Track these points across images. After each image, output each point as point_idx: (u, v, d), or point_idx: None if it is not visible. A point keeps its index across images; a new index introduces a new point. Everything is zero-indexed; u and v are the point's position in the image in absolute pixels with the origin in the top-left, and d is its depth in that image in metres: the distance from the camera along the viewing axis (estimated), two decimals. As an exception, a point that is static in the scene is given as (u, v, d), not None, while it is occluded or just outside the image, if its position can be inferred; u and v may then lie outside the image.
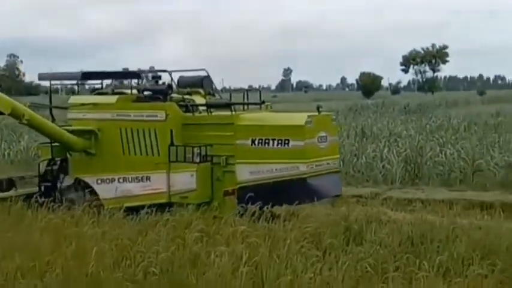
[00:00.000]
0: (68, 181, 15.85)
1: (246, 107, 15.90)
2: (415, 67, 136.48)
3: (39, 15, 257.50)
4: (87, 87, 18.85)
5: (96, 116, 15.59)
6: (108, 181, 15.19)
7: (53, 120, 16.17)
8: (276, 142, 13.97)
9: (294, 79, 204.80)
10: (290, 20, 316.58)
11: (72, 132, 15.58)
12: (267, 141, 14.02)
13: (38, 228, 11.72)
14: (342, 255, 10.38)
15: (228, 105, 15.14)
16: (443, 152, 22.91)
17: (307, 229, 11.71)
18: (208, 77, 16.46)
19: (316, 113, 14.57)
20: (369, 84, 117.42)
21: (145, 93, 15.85)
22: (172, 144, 14.69)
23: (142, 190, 14.81)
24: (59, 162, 16.00)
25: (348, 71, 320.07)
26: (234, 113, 14.86)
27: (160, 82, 16.39)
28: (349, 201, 17.26)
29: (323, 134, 14.47)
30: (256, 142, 14.09)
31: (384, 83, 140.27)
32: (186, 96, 15.67)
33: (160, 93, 15.46)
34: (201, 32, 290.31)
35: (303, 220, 12.77)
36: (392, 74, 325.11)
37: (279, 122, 14.64)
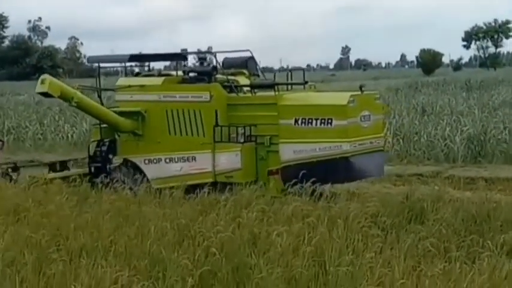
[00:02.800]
0: (116, 161, 16.20)
1: (289, 87, 15.94)
2: (477, 43, 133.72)
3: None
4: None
5: (143, 97, 15.82)
6: (155, 161, 15.47)
7: (101, 102, 16.54)
8: (319, 121, 14.01)
9: (353, 57, 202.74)
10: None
11: (119, 113, 15.90)
12: (310, 120, 14.09)
13: (102, 208, 11.92)
14: (403, 235, 10.29)
15: (271, 86, 15.23)
16: (506, 130, 22.44)
17: (367, 208, 11.63)
18: (252, 58, 16.62)
19: (359, 92, 14.50)
20: (429, 61, 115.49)
21: (191, 74, 16.01)
22: (217, 124, 14.84)
23: (188, 170, 15.00)
24: (107, 143, 16.32)
25: (407, 48, 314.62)
26: (277, 93, 14.94)
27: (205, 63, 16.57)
28: (410, 180, 17.13)
29: (366, 113, 14.41)
30: (299, 122, 14.16)
31: (445, 59, 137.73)
32: (231, 77, 15.81)
33: (205, 75, 15.58)
34: (259, 12, 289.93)
35: (364, 199, 12.72)
36: (453, 51, 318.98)
37: (322, 101, 14.67)
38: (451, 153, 21.39)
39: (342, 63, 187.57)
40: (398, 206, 11.81)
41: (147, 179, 15.37)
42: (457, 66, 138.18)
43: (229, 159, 14.63)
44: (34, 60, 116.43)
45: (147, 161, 15.60)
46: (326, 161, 14.02)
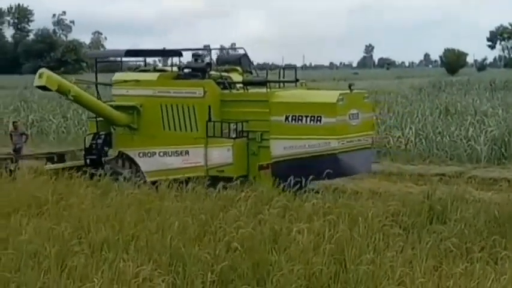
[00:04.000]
0: (111, 154, 16.59)
1: (282, 84, 16.33)
2: (502, 43, 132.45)
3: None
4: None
5: (138, 92, 16.28)
6: (149, 154, 15.94)
7: (98, 96, 16.87)
8: (308, 119, 14.51)
9: (376, 56, 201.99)
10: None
11: (115, 107, 16.30)
12: (300, 117, 14.56)
13: (123, 202, 11.97)
14: (424, 234, 10.23)
15: (263, 83, 15.68)
16: (531, 131, 22.19)
17: (388, 207, 11.59)
18: (246, 55, 17.12)
19: (348, 91, 14.96)
20: (453, 61, 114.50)
21: (185, 70, 16.39)
22: (210, 120, 15.28)
23: (182, 163, 15.49)
24: (103, 136, 16.70)
25: (431, 48, 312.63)
26: (269, 90, 15.34)
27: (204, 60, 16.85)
28: (432, 179, 16.99)
29: (355, 111, 14.87)
30: (290, 118, 14.64)
31: (469, 59, 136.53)
32: (224, 74, 16.20)
33: (199, 71, 16.06)
34: (281, 9, 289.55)
35: (385, 198, 12.68)
36: (477, 51, 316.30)
37: (312, 99, 15.11)
38: (474, 154, 21.22)
39: (365, 62, 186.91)
40: (420, 205, 11.76)
41: (141, 172, 15.79)
42: (481, 66, 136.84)
43: (221, 153, 15.10)
44: (58, 54, 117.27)
45: (141, 154, 16.03)
46: (315, 157, 14.46)
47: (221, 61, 17.06)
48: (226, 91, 15.70)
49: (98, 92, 17.06)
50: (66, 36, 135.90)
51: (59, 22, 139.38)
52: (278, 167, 14.62)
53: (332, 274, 8.60)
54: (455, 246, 9.58)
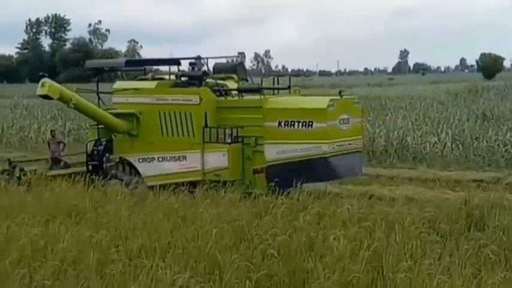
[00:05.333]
0: (112, 160, 17.19)
1: (276, 91, 16.98)
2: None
3: (157, 0, 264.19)
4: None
5: (138, 100, 16.93)
6: (148, 160, 16.57)
7: (99, 104, 17.52)
8: (300, 124, 15.06)
9: (411, 61, 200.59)
10: (407, 0, 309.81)
11: (115, 115, 16.95)
12: (292, 123, 15.11)
13: (159, 209, 12.04)
14: (462, 241, 10.12)
15: (257, 90, 16.33)
16: None
17: (425, 214, 11.49)
18: (241, 63, 18.10)
19: (339, 97, 15.51)
20: (490, 66, 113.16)
21: (183, 79, 16.97)
22: (206, 126, 15.84)
23: (179, 168, 16.09)
24: (104, 143, 17.30)
25: (467, 52, 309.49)
26: (262, 97, 15.93)
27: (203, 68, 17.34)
28: (469, 185, 16.82)
29: (345, 116, 15.41)
30: (282, 124, 15.20)
31: (506, 64, 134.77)
32: (220, 82, 16.82)
33: (196, 79, 16.68)
34: (317, 15, 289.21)
35: (421, 205, 12.57)
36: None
37: (304, 105, 15.61)
38: (512, 160, 20.94)
39: (400, 67, 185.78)
40: (457, 212, 11.64)
41: (141, 176, 16.46)
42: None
43: (217, 158, 15.63)
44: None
45: (141, 160, 16.68)
46: (307, 161, 15.01)
47: (217, 69, 17.69)
48: (222, 98, 16.34)
49: (99, 101, 17.72)
50: (102, 45, 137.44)
51: (94, 31, 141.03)
52: (272, 171, 15.13)
53: (369, 282, 8.54)
54: (494, 254, 9.46)
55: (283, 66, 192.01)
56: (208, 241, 9.75)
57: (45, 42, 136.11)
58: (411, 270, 8.65)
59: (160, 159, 16.34)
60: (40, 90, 16.20)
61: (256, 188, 14.56)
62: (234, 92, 16.66)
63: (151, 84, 16.95)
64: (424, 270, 8.69)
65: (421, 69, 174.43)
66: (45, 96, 16.35)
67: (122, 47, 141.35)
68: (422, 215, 11.48)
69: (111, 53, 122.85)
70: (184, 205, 12.54)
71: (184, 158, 16.02)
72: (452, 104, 37.61)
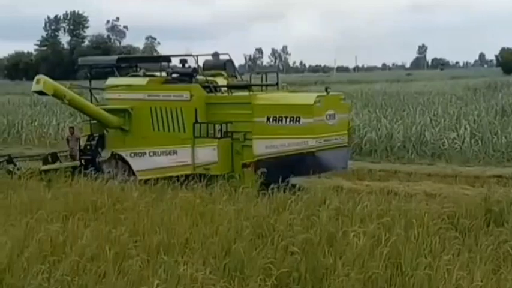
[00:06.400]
0: (104, 154, 17.66)
1: (265, 87, 17.49)
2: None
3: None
4: None
5: (130, 96, 17.38)
6: (140, 154, 17.02)
7: (91, 100, 18.04)
8: (288, 119, 15.47)
9: (430, 56, 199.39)
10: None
11: (108, 111, 17.39)
12: (280, 118, 15.54)
13: (177, 205, 12.06)
14: (481, 237, 10.06)
15: (246, 86, 16.85)
16: None
17: (444, 210, 11.42)
18: (230, 60, 18.41)
19: (325, 93, 15.92)
20: (509, 61, 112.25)
21: (173, 75, 17.45)
22: (196, 121, 16.30)
23: (170, 162, 16.53)
24: (97, 138, 17.81)
25: (486, 47, 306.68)
26: (251, 93, 16.42)
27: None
28: (488, 181, 16.74)
29: (331, 112, 15.85)
30: (271, 119, 15.61)
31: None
32: (210, 78, 17.28)
33: (186, 76, 17.17)
34: (335, 10, 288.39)
35: (440, 201, 12.51)
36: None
37: (291, 101, 16.11)
38: (532, 155, 20.78)
39: (419, 63, 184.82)
40: (477, 208, 11.57)
41: (133, 171, 16.91)
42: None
43: (207, 153, 16.05)
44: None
45: (132, 155, 17.11)
46: (294, 155, 15.42)
47: (207, 66, 18.19)
48: (212, 94, 16.79)
49: (91, 97, 18.20)
50: (120, 42, 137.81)
51: (112, 28, 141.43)
52: (260, 165, 15.48)
53: (388, 278, 8.50)
54: (514, 250, 9.38)
55: (301, 62, 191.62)
56: (228, 237, 9.75)
57: (64, 39, 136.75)
58: (430, 266, 8.59)
59: (151, 153, 16.82)
60: (35, 87, 16.73)
61: (245, 181, 14.81)
62: (223, 89, 17.11)
63: (143, 81, 17.47)
64: (443, 266, 8.63)
65: (440, 64, 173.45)
66: (40, 92, 16.87)
67: (140, 44, 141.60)
68: (441, 210, 11.41)
69: (129, 50, 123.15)
70: (203, 201, 12.54)
71: (175, 152, 16.48)
72: (471, 99, 37.35)
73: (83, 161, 17.77)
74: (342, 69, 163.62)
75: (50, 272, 8.62)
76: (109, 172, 16.72)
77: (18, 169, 17.36)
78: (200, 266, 8.72)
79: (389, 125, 24.68)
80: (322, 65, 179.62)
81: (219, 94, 16.86)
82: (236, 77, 18.29)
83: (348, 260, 8.79)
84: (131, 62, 20.13)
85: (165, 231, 10.32)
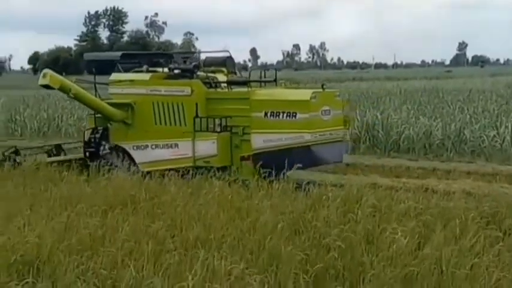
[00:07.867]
0: (108, 147, 18.21)
1: (263, 84, 17.92)
2: None
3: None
4: None
5: (133, 91, 17.98)
6: (142, 147, 17.58)
7: (96, 95, 18.44)
8: (285, 114, 16.02)
9: (470, 53, 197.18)
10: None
11: (112, 105, 18.02)
12: (277, 113, 16.08)
13: (214, 200, 12.10)
14: (524, 237, 9.90)
15: (245, 83, 17.45)
16: None
17: (484, 208, 11.28)
18: (230, 57, 19.04)
19: (321, 90, 16.60)
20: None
21: (175, 71, 18.01)
22: (197, 116, 16.83)
23: (171, 155, 17.08)
24: (101, 131, 18.34)
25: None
26: (250, 89, 16.96)
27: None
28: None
29: (327, 108, 16.44)
30: (268, 114, 16.17)
31: None
32: (210, 74, 17.92)
33: (187, 72, 17.74)
34: (373, 6, 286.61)
35: (480, 199, 12.34)
36: None
37: (288, 97, 16.69)
38: None
39: (458, 59, 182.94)
40: (517, 207, 11.37)
41: (135, 163, 17.48)
42: None
43: (207, 146, 16.56)
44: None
45: (135, 147, 17.70)
46: (291, 149, 15.90)
47: (208, 63, 18.85)
48: (212, 90, 17.43)
49: (96, 91, 18.60)
50: (159, 37, 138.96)
51: (151, 24, 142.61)
52: (258, 158, 16.04)
53: (428, 277, 8.41)
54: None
55: (339, 59, 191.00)
56: (264, 233, 9.74)
57: (103, 34, 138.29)
58: (470, 265, 8.49)
59: (153, 146, 17.43)
60: (42, 81, 17.22)
61: (243, 174, 15.66)
62: (223, 84, 17.76)
63: (146, 76, 18.07)
64: (484, 266, 8.52)
65: (480, 61, 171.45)
66: (47, 86, 17.37)
67: (178, 39, 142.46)
68: (480, 209, 11.27)
69: (168, 45, 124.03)
70: (239, 197, 12.56)
71: (176, 145, 17.07)
72: (512, 96, 36.83)
73: (87, 154, 18.37)
74: (380, 66, 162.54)
75: (87, 265, 8.70)
76: (111, 164, 17.32)
77: (24, 160, 17.91)
78: (236, 261, 8.71)
79: (427, 122, 24.42)
80: (360, 61, 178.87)
81: (219, 90, 17.56)
82: (236, 74, 18.97)
83: (386, 258, 8.72)
84: (136, 58, 20.72)
85: (201, 226, 10.36)
